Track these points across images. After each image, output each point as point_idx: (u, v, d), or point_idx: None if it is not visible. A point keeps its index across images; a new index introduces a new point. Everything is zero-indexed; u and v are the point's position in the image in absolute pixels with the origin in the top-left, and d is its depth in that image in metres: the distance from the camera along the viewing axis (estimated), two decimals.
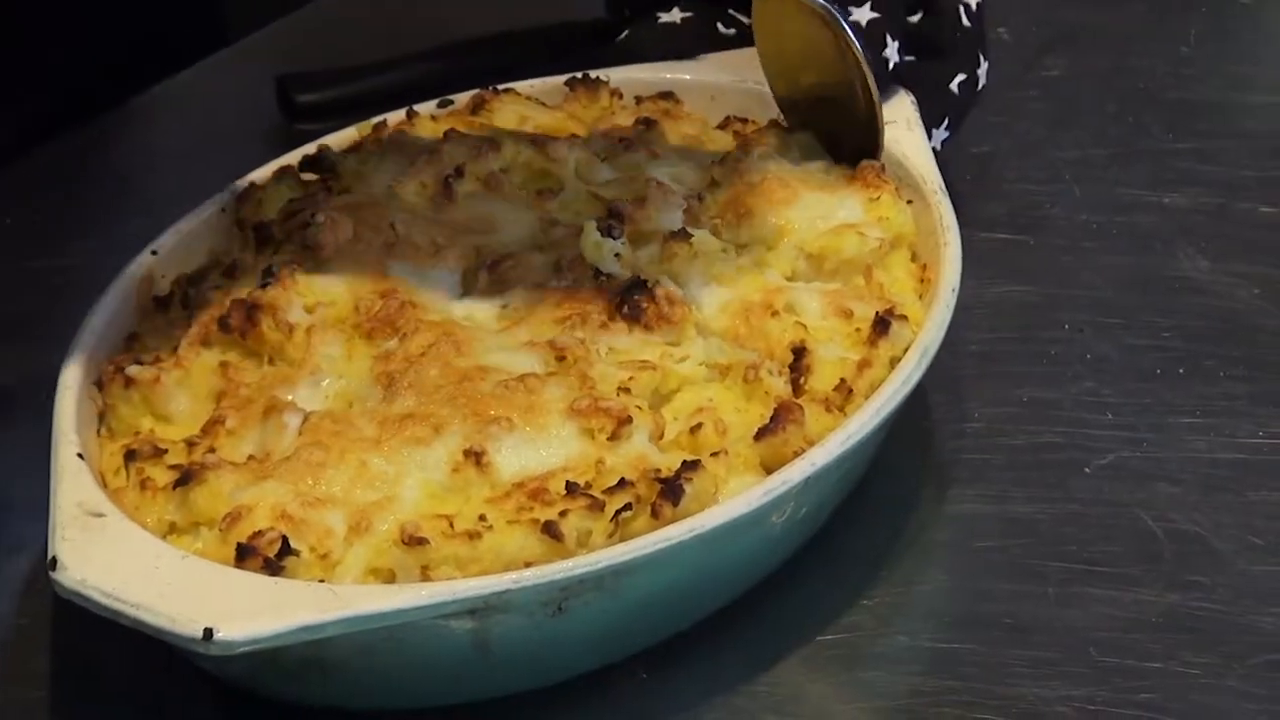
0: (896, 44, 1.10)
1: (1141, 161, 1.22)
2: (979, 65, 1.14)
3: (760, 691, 0.87)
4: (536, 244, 0.98)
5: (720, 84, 1.14)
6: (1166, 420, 1.01)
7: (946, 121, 1.12)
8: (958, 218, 0.99)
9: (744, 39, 1.14)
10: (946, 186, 1.02)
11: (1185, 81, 1.32)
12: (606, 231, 0.96)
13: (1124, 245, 1.15)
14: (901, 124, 1.06)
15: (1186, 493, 0.96)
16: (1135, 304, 1.09)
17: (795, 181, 1.01)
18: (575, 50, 1.24)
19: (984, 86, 1.15)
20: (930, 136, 1.07)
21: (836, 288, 0.96)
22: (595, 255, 0.95)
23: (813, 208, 0.99)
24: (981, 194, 1.18)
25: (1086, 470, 0.98)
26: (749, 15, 1.14)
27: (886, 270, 0.98)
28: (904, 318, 0.93)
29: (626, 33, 1.21)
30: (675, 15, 1.21)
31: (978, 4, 1.13)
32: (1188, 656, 0.87)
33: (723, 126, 1.11)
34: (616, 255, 0.95)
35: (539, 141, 1.05)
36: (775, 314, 0.93)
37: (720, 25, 1.19)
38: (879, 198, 1.00)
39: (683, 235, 0.97)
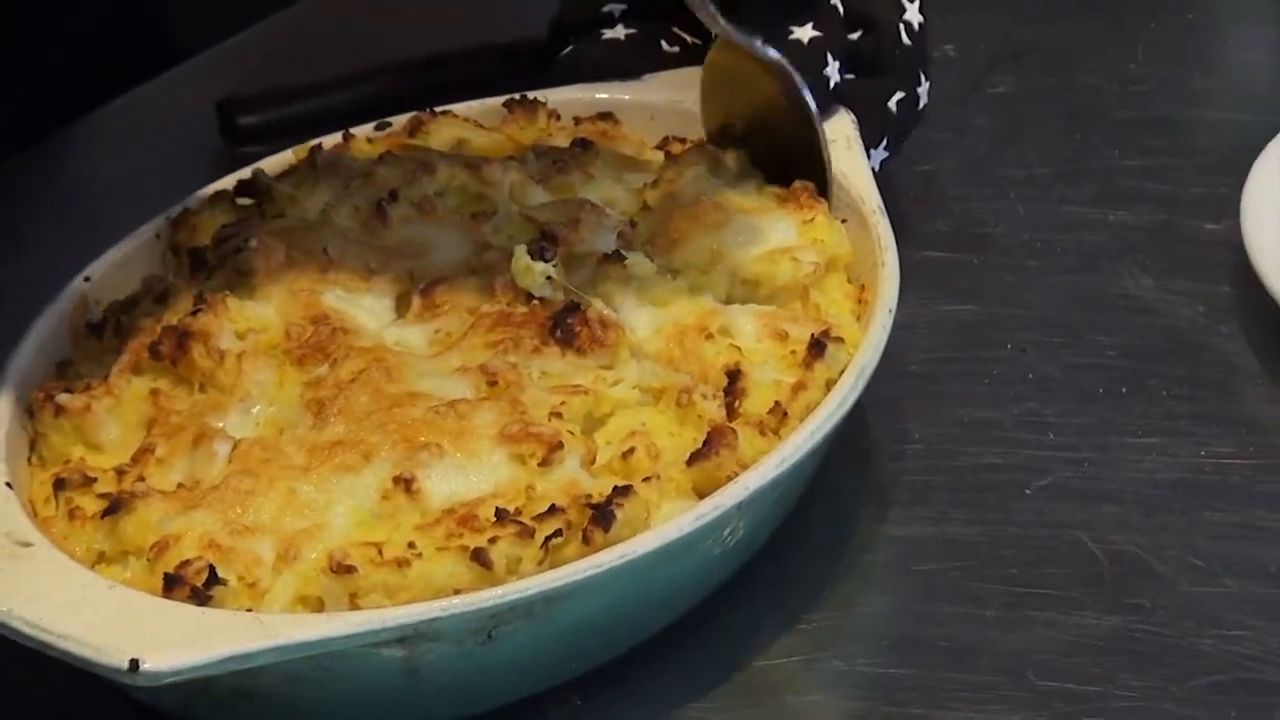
0: (837, 63, 1.09)
1: (1087, 179, 1.21)
2: (919, 84, 1.12)
3: (696, 718, 0.86)
4: (470, 268, 0.97)
5: (659, 104, 1.13)
6: (1108, 440, 1.00)
7: (885, 141, 1.11)
8: (900, 236, 0.98)
9: (687, 56, 1.14)
10: (889, 204, 1.01)
11: (1133, 98, 1.30)
12: (539, 254, 0.95)
13: (1068, 264, 1.14)
14: (841, 142, 1.05)
15: (1128, 513, 0.95)
16: (1078, 323, 1.08)
17: (728, 204, 1.00)
18: (517, 71, 1.24)
19: (926, 106, 1.13)
20: (869, 156, 1.06)
21: (772, 310, 0.95)
22: (526, 279, 0.94)
23: (745, 231, 0.98)
24: (925, 212, 1.17)
25: (1027, 491, 0.97)
26: (692, 34, 1.14)
27: (823, 292, 0.97)
28: (840, 339, 0.92)
29: (570, 48, 1.20)
30: (619, 31, 1.20)
31: (919, 23, 1.12)
32: (1128, 680, 0.87)
33: (661, 147, 1.10)
34: (549, 278, 0.94)
35: (474, 164, 1.03)
36: (709, 337, 0.92)
37: (664, 43, 1.18)
38: (813, 219, 0.99)
39: (616, 257, 0.96)
